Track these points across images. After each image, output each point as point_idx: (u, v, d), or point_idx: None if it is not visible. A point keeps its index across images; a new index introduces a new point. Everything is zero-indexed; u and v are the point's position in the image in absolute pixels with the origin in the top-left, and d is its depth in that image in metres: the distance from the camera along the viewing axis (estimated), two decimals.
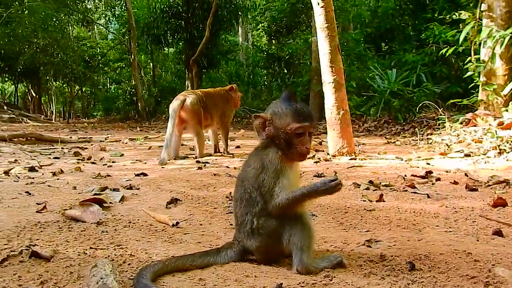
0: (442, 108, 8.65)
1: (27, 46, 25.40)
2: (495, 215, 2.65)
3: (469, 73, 7.46)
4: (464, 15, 7.57)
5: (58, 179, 4.15)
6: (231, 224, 2.59)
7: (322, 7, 5.61)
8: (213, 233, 2.42)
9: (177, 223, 2.57)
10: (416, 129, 10.08)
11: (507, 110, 6.35)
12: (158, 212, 3.02)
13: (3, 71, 27.99)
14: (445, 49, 7.76)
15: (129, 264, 1.86)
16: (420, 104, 9.71)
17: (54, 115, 29.20)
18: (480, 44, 7.35)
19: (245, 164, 2.05)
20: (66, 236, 2.27)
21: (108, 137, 11.68)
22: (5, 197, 3.29)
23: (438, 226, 2.43)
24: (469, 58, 7.45)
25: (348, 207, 2.89)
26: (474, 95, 7.82)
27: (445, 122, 7.55)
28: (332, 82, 5.60)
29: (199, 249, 2.13)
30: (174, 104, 6.17)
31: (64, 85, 30.17)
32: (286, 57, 17.66)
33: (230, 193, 3.39)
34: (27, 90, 32.79)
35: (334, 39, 5.63)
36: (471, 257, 1.88)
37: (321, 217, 2.69)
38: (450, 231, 2.32)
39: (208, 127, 6.57)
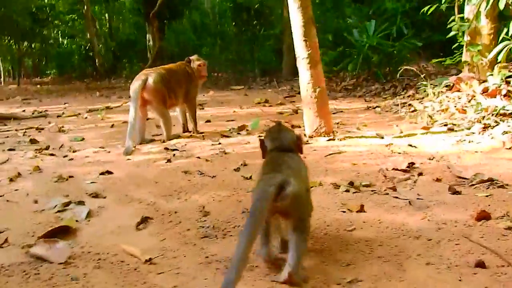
0: (423, 64, 8.78)
1: None
2: (478, 233, 2.77)
3: (452, 33, 7.51)
4: None
5: (16, 190, 4.13)
6: (206, 257, 2.66)
7: None
8: (188, 272, 2.49)
9: (150, 259, 2.62)
10: (397, 88, 10.24)
11: (492, 74, 6.47)
12: (128, 234, 3.08)
13: None
14: (427, 7, 7.76)
15: None
16: (401, 60, 9.85)
17: (2, 76, 28.38)
18: (464, 1, 7.38)
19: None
20: None
21: (65, 108, 11.54)
22: None
23: (420, 255, 2.54)
24: (452, 17, 7.48)
25: (328, 226, 2.98)
26: (458, 54, 7.91)
27: (427, 86, 7.67)
28: (307, 58, 5.59)
29: None
30: (135, 85, 6.10)
31: (11, 42, 29.23)
32: (256, 6, 17.41)
33: (204, 207, 3.45)
34: None
35: (307, 10, 5.59)
36: None
37: None
38: (432, 264, 2.43)
39: (174, 106, 6.53)
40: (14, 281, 2.41)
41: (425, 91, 7.79)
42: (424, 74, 8.28)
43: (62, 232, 3.04)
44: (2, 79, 28.30)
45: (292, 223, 2.34)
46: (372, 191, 3.67)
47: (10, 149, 6.17)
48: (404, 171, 4.13)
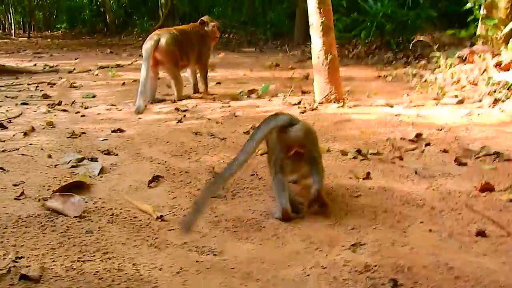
0: (437, 35, 8.68)
1: None
2: (481, 203, 2.85)
3: (468, 5, 7.46)
4: None
5: (31, 144, 4.23)
6: (216, 216, 2.75)
7: None
8: (198, 229, 2.59)
9: (161, 216, 2.72)
10: (410, 58, 10.18)
11: (506, 48, 6.45)
12: (140, 191, 3.18)
13: None
14: None
15: (118, 284, 2.03)
16: (415, 30, 9.74)
17: (13, 28, 28.36)
18: None
19: None
20: (50, 240, 2.41)
21: (76, 63, 11.58)
22: None
23: (423, 222, 2.62)
24: None
25: (334, 191, 3.07)
26: (473, 26, 7.86)
27: (439, 57, 7.64)
28: (320, 25, 5.60)
29: (185, 255, 2.31)
30: (147, 45, 6.14)
31: None
32: None
33: (213, 167, 3.54)
34: None
35: None
36: (453, 273, 2.08)
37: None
38: (434, 231, 2.52)
39: (185, 67, 6.57)
40: (31, 232, 2.51)
41: (437, 62, 7.76)
42: (437, 45, 8.24)
43: (77, 187, 3.14)
44: (13, 31, 28.27)
45: (309, 159, 2.73)
46: (379, 159, 3.74)
47: (23, 103, 6.27)
48: (411, 141, 4.19)
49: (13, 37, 26.26)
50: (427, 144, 4.09)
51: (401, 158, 3.73)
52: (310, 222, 2.67)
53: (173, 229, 2.60)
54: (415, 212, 2.78)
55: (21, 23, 34.89)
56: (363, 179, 3.31)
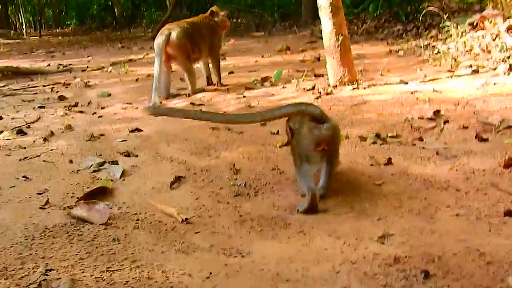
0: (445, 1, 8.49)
1: None
2: (506, 181, 2.79)
3: None
4: None
5: (51, 149, 4.23)
6: (240, 216, 2.73)
7: None
8: (224, 231, 2.57)
9: (187, 219, 2.71)
10: (420, 29, 10.01)
11: None
12: (163, 193, 3.17)
13: None
14: None
15: None
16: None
17: (24, 28, 28.46)
18: None
19: None
20: (78, 250, 2.41)
21: (89, 61, 11.58)
22: (4, 184, 3.41)
23: (449, 206, 2.58)
24: None
25: (357, 179, 3.03)
26: None
27: (450, 26, 7.50)
28: (329, 6, 5.50)
29: (213, 259, 2.29)
30: (158, 40, 6.09)
31: None
32: None
33: (234, 164, 3.51)
34: None
35: None
36: (484, 258, 2.04)
37: (331, 198, 2.83)
38: (462, 215, 2.47)
39: (198, 60, 6.52)
40: (59, 243, 2.51)
41: (448, 31, 7.63)
42: (447, 14, 8.08)
43: (100, 193, 3.14)
44: (24, 30, 28.39)
45: (328, 154, 2.84)
46: (398, 142, 3.69)
47: (40, 107, 6.28)
48: (430, 119, 4.12)
49: (24, 36, 26.36)
50: (446, 122, 4.02)
51: (421, 139, 3.67)
52: (335, 215, 2.64)
53: (198, 232, 2.59)
54: (441, 196, 2.73)
55: (32, 21, 35.00)
56: (385, 164, 3.26)
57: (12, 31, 27.85)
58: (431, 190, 2.82)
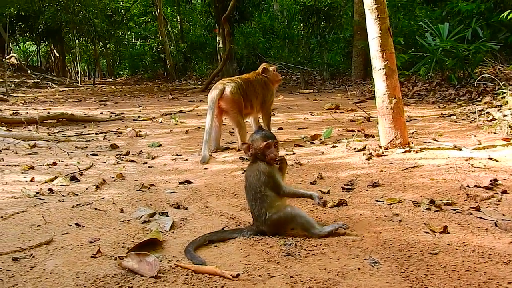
0: (500, 67, 8.41)
1: (47, 4, 25.67)
2: None
3: None
4: None
5: (103, 198, 4.32)
6: (291, 277, 2.68)
7: None
8: None
9: (238, 274, 2.68)
10: (473, 94, 9.92)
11: None
12: (212, 249, 3.15)
13: (24, 31, 28.43)
14: (507, 13, 7.50)
15: None
16: (476, 64, 9.43)
17: (79, 76, 29.61)
18: None
19: (246, 176, 3.39)
20: None
21: (140, 111, 11.90)
22: (57, 231, 3.48)
23: (511, 283, 2.47)
24: None
25: (411, 247, 2.95)
26: None
27: (505, 92, 7.41)
28: (383, 69, 5.53)
29: None
30: (212, 94, 6.25)
31: (88, 43, 30.47)
32: (325, 9, 17.33)
33: None
34: (49, 50, 33.29)
35: (384, 21, 5.53)
36: None
37: (384, 264, 2.76)
38: None
39: (249, 115, 6.64)
40: None
41: (503, 97, 7.53)
42: (503, 82, 7.99)
43: (150, 245, 3.16)
44: (79, 79, 29.50)
45: None
46: (454, 210, 3.60)
47: (92, 154, 6.45)
48: (487, 188, 4.02)
49: (79, 84, 27.41)
50: (504, 192, 3.91)
51: (478, 209, 3.57)
52: (389, 284, 2.56)
53: None
54: (501, 270, 2.62)
55: (87, 70, 36.42)
56: (440, 233, 3.18)
57: (67, 79, 29.01)
58: (490, 263, 2.72)
